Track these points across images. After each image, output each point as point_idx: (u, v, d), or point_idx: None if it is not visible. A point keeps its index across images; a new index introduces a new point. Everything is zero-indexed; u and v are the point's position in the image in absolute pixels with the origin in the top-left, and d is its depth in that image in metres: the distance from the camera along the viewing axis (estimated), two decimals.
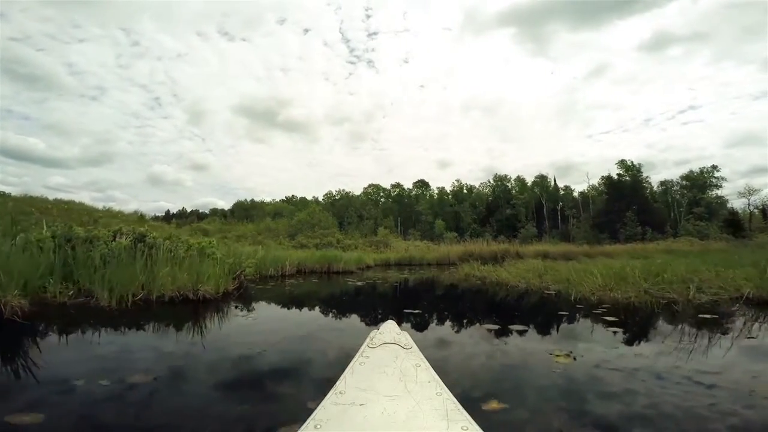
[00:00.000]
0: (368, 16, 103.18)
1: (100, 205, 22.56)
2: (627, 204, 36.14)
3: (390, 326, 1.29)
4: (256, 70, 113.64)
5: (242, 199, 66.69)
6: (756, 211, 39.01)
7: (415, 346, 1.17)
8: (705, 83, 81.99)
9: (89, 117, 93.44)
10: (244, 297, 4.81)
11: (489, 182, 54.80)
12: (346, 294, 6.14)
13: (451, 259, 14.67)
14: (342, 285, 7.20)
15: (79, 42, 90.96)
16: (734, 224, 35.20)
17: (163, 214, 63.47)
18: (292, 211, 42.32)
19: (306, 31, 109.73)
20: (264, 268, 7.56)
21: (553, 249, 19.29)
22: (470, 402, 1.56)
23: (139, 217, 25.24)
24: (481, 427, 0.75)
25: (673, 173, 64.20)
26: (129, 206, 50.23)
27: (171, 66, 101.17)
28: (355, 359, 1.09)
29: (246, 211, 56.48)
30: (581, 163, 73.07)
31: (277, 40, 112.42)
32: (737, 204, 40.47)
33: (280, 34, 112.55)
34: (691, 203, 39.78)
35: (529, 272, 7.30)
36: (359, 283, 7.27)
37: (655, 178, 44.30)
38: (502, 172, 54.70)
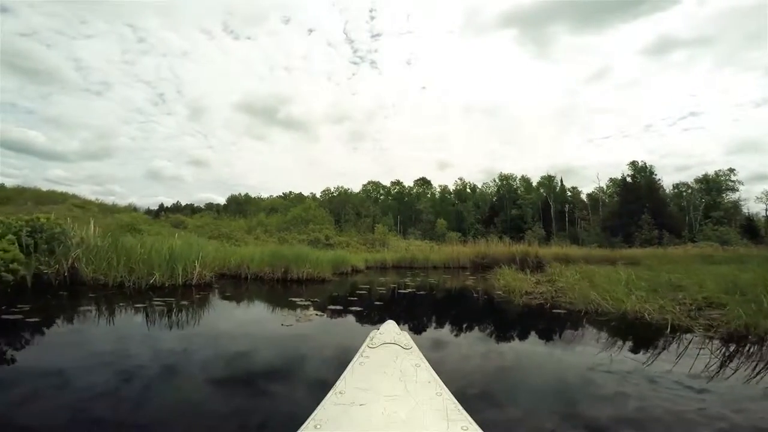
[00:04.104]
0: (372, 18, 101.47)
1: (98, 199, 21.24)
2: (641, 206, 34.06)
3: (390, 326, 1.31)
4: (260, 68, 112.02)
5: (236, 194, 64.40)
6: None
7: (414, 346, 1.16)
8: (707, 89, 79.53)
9: (92, 111, 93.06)
10: None
11: (494, 181, 52.66)
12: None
13: (461, 261, 12.49)
14: (243, 330, 3.17)
15: (86, 38, 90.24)
16: (751, 230, 33.49)
17: (157, 207, 61.63)
18: (288, 206, 40.34)
19: (310, 31, 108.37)
20: (140, 273, 4.65)
21: (572, 252, 17.13)
22: None
23: (133, 210, 23.81)
24: (481, 427, 0.75)
25: (674, 179, 62.51)
26: (127, 200, 49.19)
27: (176, 63, 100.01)
28: (355, 359, 1.09)
29: (239, 206, 54.35)
30: (581, 167, 70.93)
31: (281, 40, 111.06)
32: (753, 209, 38.88)
33: (285, 33, 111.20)
34: (708, 207, 37.71)
35: (633, 288, 4.34)
36: (289, 325, 3.14)
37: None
38: (503, 173, 52.26)
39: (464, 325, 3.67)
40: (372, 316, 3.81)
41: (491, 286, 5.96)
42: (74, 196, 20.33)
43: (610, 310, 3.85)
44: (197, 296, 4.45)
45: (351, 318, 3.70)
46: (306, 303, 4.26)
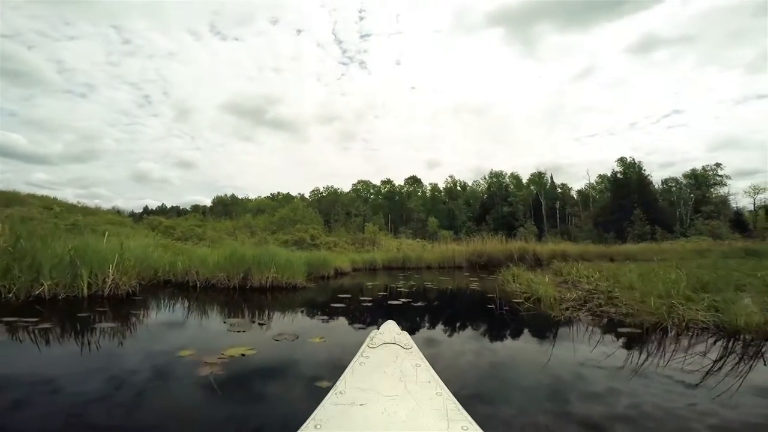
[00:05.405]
0: (362, 18, 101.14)
1: (80, 202, 19.90)
2: (632, 202, 34.01)
3: (390, 326, 1.27)
4: (248, 69, 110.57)
5: (222, 194, 62.81)
6: (761, 210, 37.81)
7: (415, 347, 1.14)
8: (690, 87, 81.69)
9: (76, 114, 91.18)
10: None
11: (485, 179, 52.31)
12: None
13: (457, 261, 11.69)
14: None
15: (69, 39, 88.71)
16: (740, 224, 33.86)
17: (141, 210, 59.65)
18: (275, 207, 39.23)
19: (299, 31, 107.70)
20: (23, 281, 3.47)
21: (569, 249, 16.52)
22: None
23: (116, 213, 22.54)
24: (481, 427, 0.74)
25: (660, 176, 63.63)
26: (113, 203, 47.67)
27: (162, 64, 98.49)
28: (355, 359, 1.06)
29: (226, 208, 52.90)
30: (569, 165, 71.65)
31: (269, 40, 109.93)
32: (740, 203, 39.45)
33: (273, 34, 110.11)
34: (698, 201, 37.99)
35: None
36: (183, 376, 1.81)
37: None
38: (493, 171, 51.80)
39: (501, 369, 2.15)
40: (344, 352, 2.18)
41: (503, 291, 4.71)
42: (53, 199, 18.90)
43: (705, 323, 2.76)
44: (84, 314, 3.11)
45: (303, 358, 2.21)
46: (241, 329, 2.84)
